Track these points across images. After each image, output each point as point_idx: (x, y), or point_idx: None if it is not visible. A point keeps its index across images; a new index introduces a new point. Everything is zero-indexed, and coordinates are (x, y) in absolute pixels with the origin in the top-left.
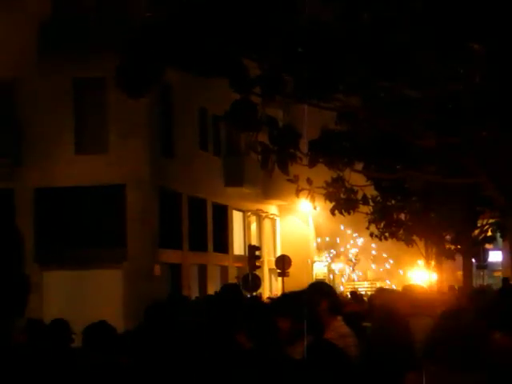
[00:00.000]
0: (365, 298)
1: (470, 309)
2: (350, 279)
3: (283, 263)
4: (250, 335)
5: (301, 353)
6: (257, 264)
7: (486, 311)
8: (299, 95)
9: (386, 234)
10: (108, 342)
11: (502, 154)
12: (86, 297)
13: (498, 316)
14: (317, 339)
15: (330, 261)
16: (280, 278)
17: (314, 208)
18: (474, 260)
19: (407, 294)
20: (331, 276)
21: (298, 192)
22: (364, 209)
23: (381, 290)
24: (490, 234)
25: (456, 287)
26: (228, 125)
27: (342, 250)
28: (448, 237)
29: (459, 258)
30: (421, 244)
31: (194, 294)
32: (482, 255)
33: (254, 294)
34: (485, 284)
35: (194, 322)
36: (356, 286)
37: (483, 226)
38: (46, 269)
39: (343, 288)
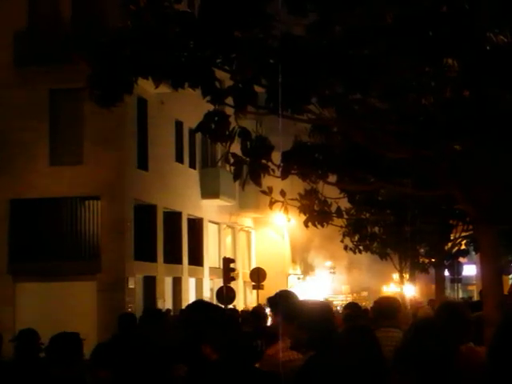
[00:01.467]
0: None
1: (439, 322)
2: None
3: (258, 276)
4: (215, 347)
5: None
6: (231, 276)
7: (454, 324)
8: (271, 107)
9: (361, 247)
10: (70, 354)
11: (474, 167)
12: (59, 308)
13: (466, 329)
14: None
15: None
16: (255, 291)
17: (288, 220)
18: (448, 273)
19: (378, 307)
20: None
21: (271, 204)
22: (338, 221)
23: (351, 304)
24: (463, 247)
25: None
26: (202, 136)
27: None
28: (422, 250)
29: (433, 271)
30: (395, 257)
31: (169, 306)
32: (455, 268)
33: (230, 306)
34: (460, 297)
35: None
36: (331, 299)
37: (456, 239)
38: (20, 280)
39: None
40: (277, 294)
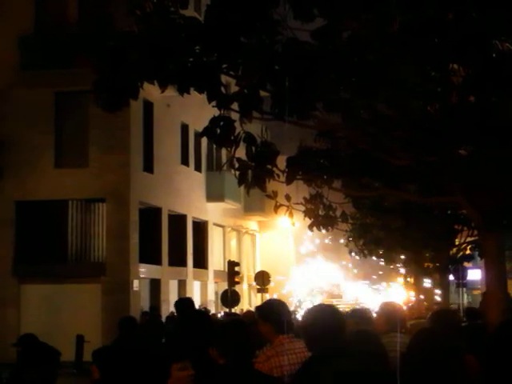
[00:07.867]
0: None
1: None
2: (330, 296)
3: (262, 279)
4: (220, 352)
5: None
6: (236, 280)
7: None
8: (277, 112)
9: (365, 252)
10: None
11: (479, 173)
12: (64, 310)
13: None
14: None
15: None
16: (259, 294)
17: (293, 225)
18: (453, 278)
19: (384, 312)
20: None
21: (276, 208)
22: (343, 226)
23: (356, 309)
24: (468, 252)
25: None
26: (208, 140)
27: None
28: (427, 255)
29: (438, 276)
30: (400, 261)
31: (173, 309)
32: (460, 273)
33: (233, 310)
34: (464, 302)
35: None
36: (335, 303)
37: (461, 244)
38: (25, 282)
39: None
40: (268, 304)
